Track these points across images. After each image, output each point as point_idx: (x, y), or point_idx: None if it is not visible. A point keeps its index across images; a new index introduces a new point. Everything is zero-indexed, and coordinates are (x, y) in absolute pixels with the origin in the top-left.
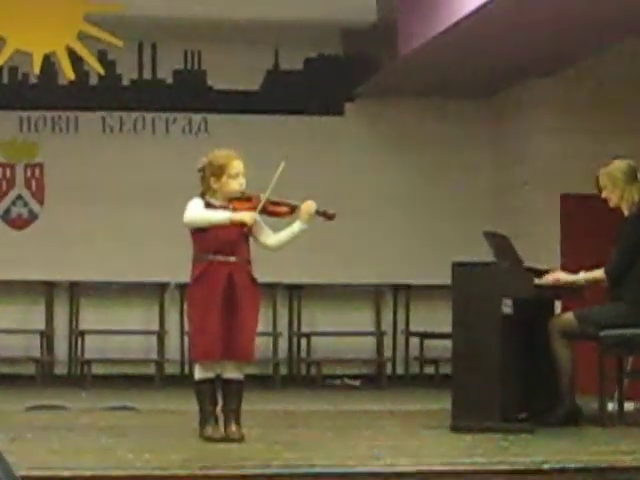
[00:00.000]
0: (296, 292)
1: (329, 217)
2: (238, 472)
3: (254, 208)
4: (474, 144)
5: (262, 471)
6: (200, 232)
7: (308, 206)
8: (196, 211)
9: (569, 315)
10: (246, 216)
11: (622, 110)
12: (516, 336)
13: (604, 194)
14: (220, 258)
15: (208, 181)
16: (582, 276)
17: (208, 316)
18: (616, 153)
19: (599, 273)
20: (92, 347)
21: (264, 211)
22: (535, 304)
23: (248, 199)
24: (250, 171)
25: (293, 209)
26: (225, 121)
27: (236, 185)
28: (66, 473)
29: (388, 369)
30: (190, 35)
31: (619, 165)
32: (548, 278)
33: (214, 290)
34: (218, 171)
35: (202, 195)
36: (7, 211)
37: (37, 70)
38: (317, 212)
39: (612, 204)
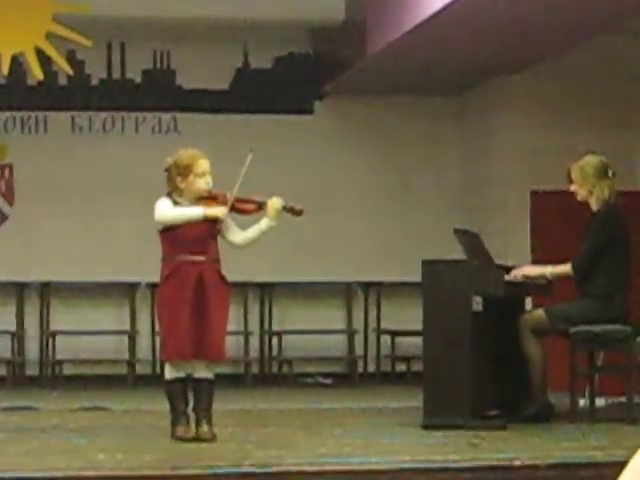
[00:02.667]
0: (267, 290)
1: (297, 213)
2: (210, 472)
3: (223, 206)
4: (443, 141)
5: (234, 470)
6: (169, 232)
7: (275, 203)
8: (170, 209)
9: (539, 312)
10: (219, 211)
11: (590, 106)
12: (487, 333)
13: (573, 187)
14: (189, 257)
15: (174, 181)
16: (549, 270)
17: (178, 316)
18: (588, 148)
19: (566, 267)
20: (63, 348)
21: (232, 209)
22: (505, 301)
23: (215, 198)
24: (220, 170)
25: (260, 206)
26: (195, 120)
27: (203, 184)
28: (38, 474)
29: (360, 367)
30: (159, 34)
31: (591, 160)
32: (516, 273)
33: (184, 290)
34: (184, 171)
35: (169, 195)
36: None
37: (5, 71)
38: (284, 208)
39: (579, 198)
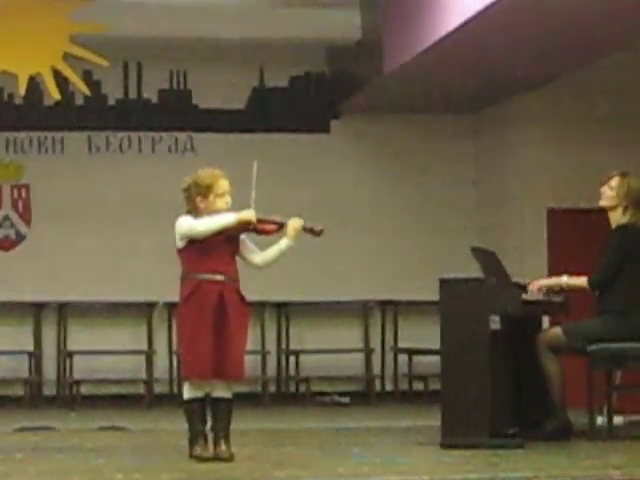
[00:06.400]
0: (284, 310)
1: (317, 233)
2: None
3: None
4: (460, 159)
5: None
6: (188, 251)
7: (295, 223)
8: (203, 220)
9: (557, 330)
10: (249, 214)
11: (608, 123)
12: (504, 351)
13: (606, 190)
14: (209, 277)
15: (194, 201)
16: (565, 280)
17: (199, 335)
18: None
19: (582, 281)
20: (81, 367)
21: (252, 229)
22: (523, 319)
23: None
24: (236, 189)
25: (281, 226)
26: (211, 140)
27: (223, 204)
28: None
29: (377, 386)
30: (175, 54)
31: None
32: (532, 288)
33: (204, 309)
34: (205, 191)
35: (188, 214)
36: None
37: (23, 91)
38: (304, 229)
39: (603, 203)
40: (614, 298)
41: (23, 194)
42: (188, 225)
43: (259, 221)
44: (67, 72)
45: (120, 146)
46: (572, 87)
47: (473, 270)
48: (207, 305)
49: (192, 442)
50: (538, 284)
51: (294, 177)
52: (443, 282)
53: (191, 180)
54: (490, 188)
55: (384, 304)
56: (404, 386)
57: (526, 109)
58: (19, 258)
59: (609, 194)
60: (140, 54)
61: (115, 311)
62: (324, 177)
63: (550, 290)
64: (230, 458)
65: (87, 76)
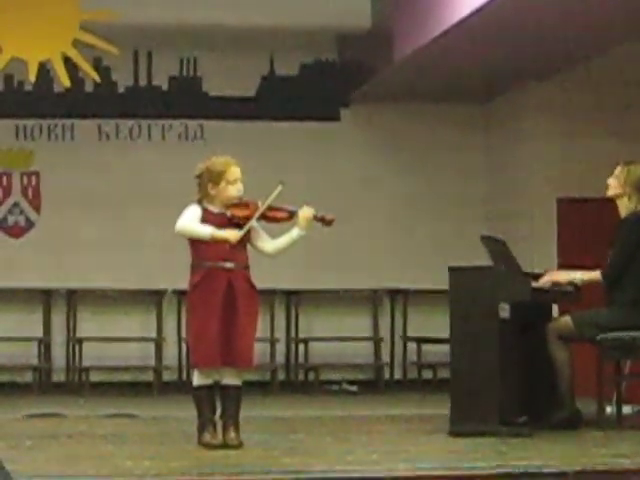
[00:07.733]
0: (293, 298)
1: (327, 222)
2: (237, 478)
3: (251, 214)
4: (470, 148)
5: (261, 477)
6: (198, 239)
7: (306, 212)
8: (184, 221)
9: (566, 318)
10: (230, 235)
11: (619, 114)
12: (514, 340)
13: (611, 180)
14: (219, 265)
15: (206, 187)
16: (579, 275)
17: (207, 323)
18: (620, 158)
19: (596, 275)
20: (90, 354)
21: (262, 217)
22: (533, 308)
23: (246, 205)
24: (246, 177)
25: (291, 215)
26: (221, 127)
27: (234, 191)
28: None
29: (386, 374)
30: (185, 42)
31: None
32: (545, 279)
33: (214, 297)
34: (216, 177)
35: (199, 201)
36: (4, 219)
37: (33, 78)
38: (315, 218)
39: (610, 193)
40: (624, 287)
41: (33, 181)
42: (177, 223)
43: (270, 209)
44: (77, 59)
45: (130, 133)
46: (582, 77)
47: (483, 259)
48: (216, 292)
49: (201, 429)
50: (550, 278)
51: (303, 165)
52: (452, 271)
53: (204, 166)
54: (500, 178)
55: (393, 292)
56: (413, 374)
57: (536, 99)
58: (29, 245)
59: (612, 183)
60: (150, 41)
61: (124, 298)
62: (333, 165)
63: (561, 286)
64: (239, 445)
65: (97, 63)
